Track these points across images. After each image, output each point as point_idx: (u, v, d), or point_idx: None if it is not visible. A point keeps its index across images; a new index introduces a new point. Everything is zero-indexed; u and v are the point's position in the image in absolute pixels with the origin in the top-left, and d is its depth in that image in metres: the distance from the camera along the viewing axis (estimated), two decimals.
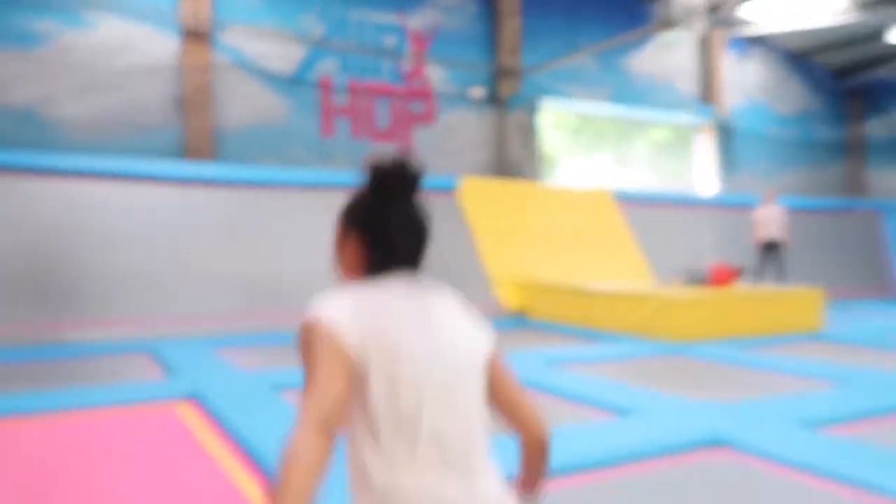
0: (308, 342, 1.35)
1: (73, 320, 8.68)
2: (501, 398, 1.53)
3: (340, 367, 1.31)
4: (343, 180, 12.01)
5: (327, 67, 13.15)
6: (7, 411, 5.32)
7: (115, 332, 8.60)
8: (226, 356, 8.03)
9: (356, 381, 1.33)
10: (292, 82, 12.77)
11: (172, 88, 11.65)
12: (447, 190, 12.81)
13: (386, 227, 1.47)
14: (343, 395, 1.30)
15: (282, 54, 12.69)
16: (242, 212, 11.08)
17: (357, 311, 1.36)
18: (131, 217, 10.13)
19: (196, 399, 5.88)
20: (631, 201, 14.87)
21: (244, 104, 12.34)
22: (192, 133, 11.55)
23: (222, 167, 11.32)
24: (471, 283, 11.78)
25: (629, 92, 16.36)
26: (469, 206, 12.76)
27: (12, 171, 9.67)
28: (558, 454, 4.27)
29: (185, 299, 9.74)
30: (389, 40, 13.68)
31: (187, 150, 11.56)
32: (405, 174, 1.49)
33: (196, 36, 11.61)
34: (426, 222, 1.53)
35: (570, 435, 4.72)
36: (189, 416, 5.53)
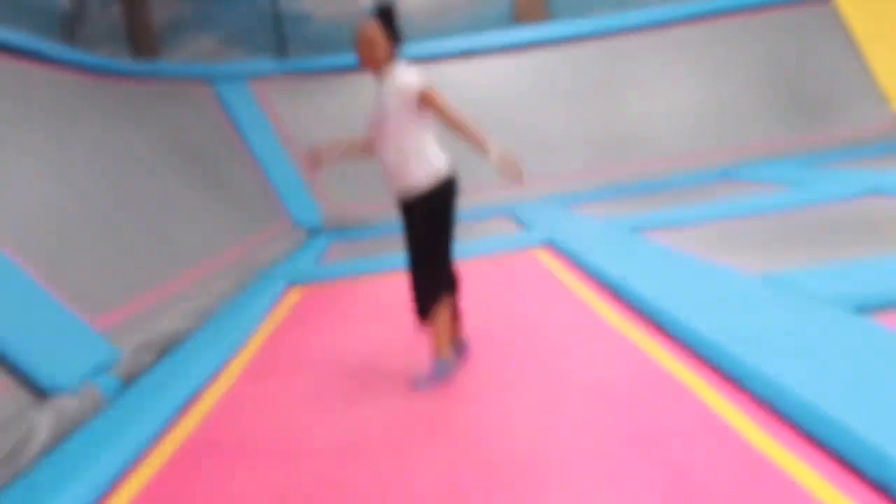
0: None
1: None
2: (442, 118, 2.97)
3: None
4: (689, 11, 10.71)
5: None
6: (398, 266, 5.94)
7: (476, 199, 9.07)
8: (580, 210, 7.94)
9: None
10: None
11: None
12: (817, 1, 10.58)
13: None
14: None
15: None
16: (582, 67, 10.66)
17: None
18: (478, 90, 10.45)
19: (552, 245, 5.88)
20: None
21: None
22: None
23: (555, 26, 10.94)
24: (856, 100, 9.74)
25: None
26: (852, 11, 10.40)
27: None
28: None
29: (538, 163, 9.84)
30: None
31: (518, 14, 11.42)
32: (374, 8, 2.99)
33: None
34: (373, 38, 3.00)
35: None
36: (546, 259, 5.55)
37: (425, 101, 2.94)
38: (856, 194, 6.08)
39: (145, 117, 7.02)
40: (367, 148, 3.24)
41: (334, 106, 10.26)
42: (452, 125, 2.93)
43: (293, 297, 5.55)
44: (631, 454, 2.26)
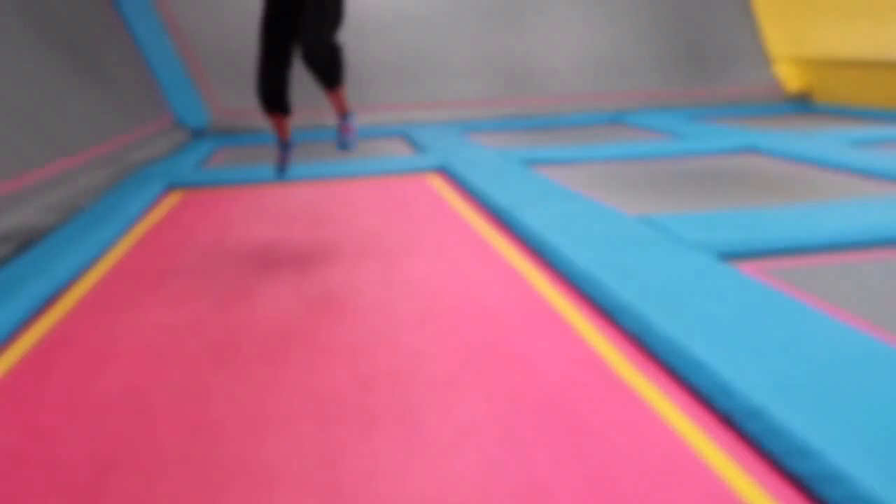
0: None
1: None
2: None
3: None
4: None
5: None
6: (287, 178, 5.71)
7: (370, 117, 8.88)
8: (475, 138, 7.95)
9: None
10: None
11: None
12: None
13: None
14: None
15: None
16: None
17: None
18: (385, 3, 10.08)
19: (445, 171, 5.88)
20: None
21: None
22: None
23: None
24: (743, 61, 10.23)
25: None
26: None
27: None
28: (856, 229, 3.52)
29: (437, 86, 9.71)
30: None
31: None
32: None
33: None
34: None
35: (870, 210, 3.88)
36: (438, 184, 5.55)
37: None
38: (732, 149, 6.44)
39: None
40: None
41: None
42: None
43: (171, 200, 5.26)
44: (498, 372, 2.35)
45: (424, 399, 2.22)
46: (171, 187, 5.53)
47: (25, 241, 3.72)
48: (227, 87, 8.91)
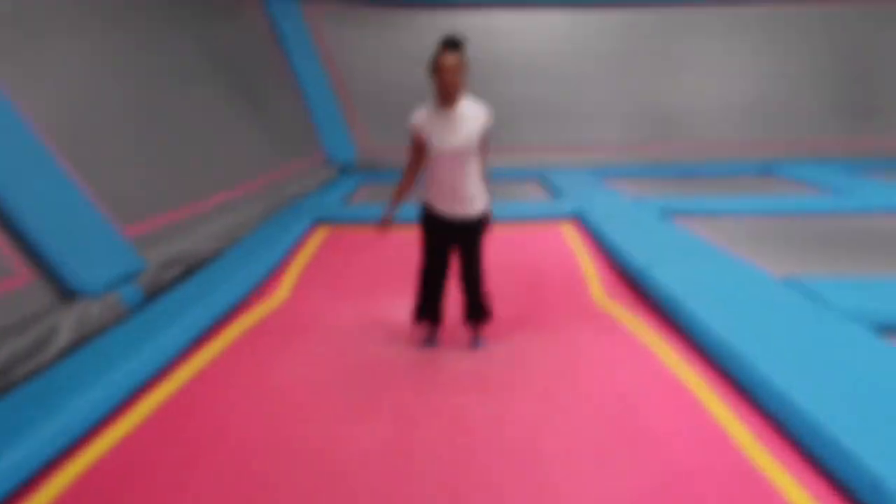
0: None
1: None
2: (484, 154, 3.26)
3: (416, 145, 3.20)
4: None
5: None
6: None
7: (507, 159, 8.98)
8: (612, 185, 7.84)
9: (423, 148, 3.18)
10: None
11: None
12: None
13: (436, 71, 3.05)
14: (417, 157, 3.23)
15: None
16: (637, 37, 10.39)
17: (420, 119, 3.13)
18: (525, 45, 10.25)
19: (580, 219, 5.83)
20: None
21: None
22: None
23: None
24: None
25: None
26: None
27: (423, 6, 10.41)
28: None
29: (575, 129, 9.70)
30: None
31: None
32: (450, 39, 3.02)
33: None
34: (458, 68, 3.02)
35: None
36: (571, 235, 5.52)
37: (486, 135, 3.14)
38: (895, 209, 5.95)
39: (189, 25, 6.93)
40: (413, 180, 3.30)
41: (382, 41, 10.11)
42: (484, 166, 3.24)
43: (318, 236, 5.58)
44: (623, 447, 2.30)
45: (549, 469, 2.21)
46: (317, 222, 5.87)
47: (190, 266, 4.09)
48: (374, 124, 9.37)
